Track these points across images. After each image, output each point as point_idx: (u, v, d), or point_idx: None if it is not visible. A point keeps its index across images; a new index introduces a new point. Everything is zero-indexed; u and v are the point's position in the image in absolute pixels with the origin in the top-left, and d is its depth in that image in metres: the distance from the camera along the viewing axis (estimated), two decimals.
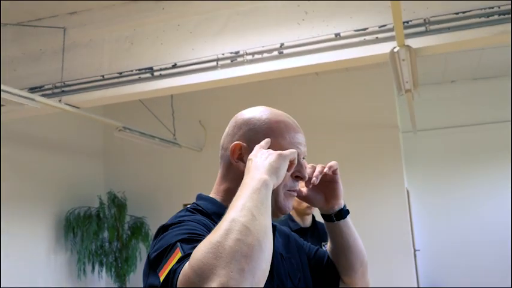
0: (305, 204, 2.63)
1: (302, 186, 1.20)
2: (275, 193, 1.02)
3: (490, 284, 6.97)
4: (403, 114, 7.00)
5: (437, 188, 7.43)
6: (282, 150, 1.03)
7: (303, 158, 1.12)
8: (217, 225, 0.81)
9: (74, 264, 6.58)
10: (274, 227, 1.16)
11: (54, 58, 4.58)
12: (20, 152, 6.06)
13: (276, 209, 1.05)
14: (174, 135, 6.63)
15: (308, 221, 2.73)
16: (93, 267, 6.67)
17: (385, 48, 3.65)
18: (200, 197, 1.15)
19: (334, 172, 1.26)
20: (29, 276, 5.89)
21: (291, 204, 1.09)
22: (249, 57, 4.03)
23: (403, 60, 3.64)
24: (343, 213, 1.25)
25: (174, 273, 0.81)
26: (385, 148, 6.64)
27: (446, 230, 7.28)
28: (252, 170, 0.92)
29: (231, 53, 4.08)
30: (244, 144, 1.08)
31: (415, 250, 6.70)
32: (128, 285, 6.67)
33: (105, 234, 6.83)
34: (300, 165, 1.08)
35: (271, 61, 3.98)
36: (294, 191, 1.09)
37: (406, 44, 3.48)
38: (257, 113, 1.14)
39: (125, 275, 6.60)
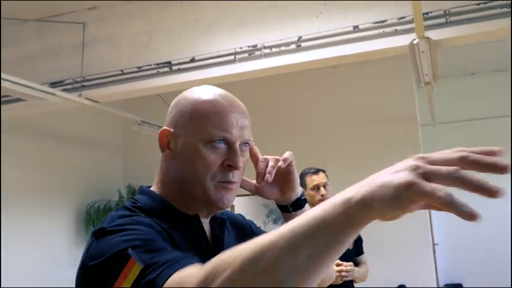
0: (318, 197, 2.65)
1: (259, 182, 1.07)
2: (201, 185, 0.94)
3: (509, 277, 6.89)
4: (422, 107, 6.92)
5: None
6: (208, 136, 0.93)
7: (245, 144, 0.99)
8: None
9: None
10: (224, 220, 1.07)
11: (73, 53, 4.63)
12: (41, 146, 6.15)
13: (208, 202, 0.95)
14: None
15: None
16: None
17: (404, 40, 3.61)
18: (140, 190, 1.04)
19: (290, 164, 1.09)
20: (50, 269, 5.99)
21: (229, 197, 0.96)
22: (267, 50, 4.02)
23: (423, 52, 3.60)
24: (301, 202, 1.10)
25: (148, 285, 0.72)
26: (404, 141, 6.58)
27: (466, 223, 7.10)
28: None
29: (249, 46, 4.08)
30: (171, 129, 0.98)
31: (434, 244, 6.64)
32: None
33: None
34: (232, 153, 0.95)
35: (289, 54, 3.97)
36: (227, 182, 0.95)
37: (425, 36, 3.43)
38: (188, 93, 1.02)
39: None
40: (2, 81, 3.58)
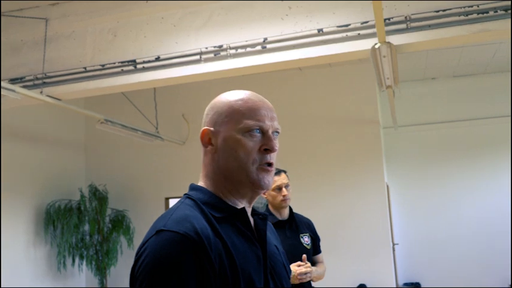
0: (280, 198, 2.67)
1: None
2: (245, 170, 1.06)
3: (468, 278, 7.13)
4: (385, 110, 7.09)
5: (416, 183, 7.55)
6: (246, 127, 1.07)
7: (275, 133, 1.12)
8: None
9: (54, 257, 6.54)
10: (266, 216, 1.17)
11: (35, 49, 4.54)
12: (0, 143, 5.99)
13: (252, 185, 1.07)
14: (156, 128, 6.61)
15: (285, 214, 2.76)
16: (73, 261, 6.64)
17: (367, 44, 3.70)
18: (191, 186, 1.15)
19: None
20: (9, 270, 5.84)
21: (269, 178, 1.08)
22: (233, 51, 4.05)
23: (384, 56, 3.70)
24: None
25: None
26: (366, 143, 6.72)
27: (425, 224, 7.41)
28: None
29: (215, 47, 4.09)
30: (211, 128, 1.10)
31: (393, 244, 6.81)
32: (108, 278, 6.66)
33: (86, 227, 6.80)
34: (267, 138, 1.09)
35: (255, 56, 4.01)
36: (267, 163, 1.08)
37: (387, 40, 3.53)
38: (222, 96, 1.16)
39: (105, 268, 6.59)
40: None
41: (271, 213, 2.73)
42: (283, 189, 2.70)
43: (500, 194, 7.20)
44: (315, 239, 2.83)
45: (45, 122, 6.72)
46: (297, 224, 2.77)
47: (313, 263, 2.68)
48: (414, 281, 7.33)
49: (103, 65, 4.31)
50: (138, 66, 4.23)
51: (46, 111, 6.37)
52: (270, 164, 1.09)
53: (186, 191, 1.14)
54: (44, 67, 4.43)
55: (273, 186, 2.70)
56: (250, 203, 1.13)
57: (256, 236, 1.10)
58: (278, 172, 2.77)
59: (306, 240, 2.74)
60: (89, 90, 4.42)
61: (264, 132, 1.09)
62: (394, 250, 6.76)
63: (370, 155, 6.69)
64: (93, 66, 4.34)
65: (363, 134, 6.72)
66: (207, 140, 1.11)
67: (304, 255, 2.50)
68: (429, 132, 7.60)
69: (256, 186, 1.07)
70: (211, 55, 4.09)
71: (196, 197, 1.08)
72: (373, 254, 6.45)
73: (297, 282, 2.45)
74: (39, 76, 4.45)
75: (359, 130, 6.74)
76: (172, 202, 7.95)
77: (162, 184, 7.08)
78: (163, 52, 4.20)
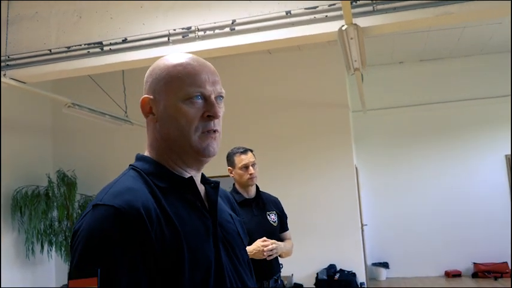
0: (247, 176, 2.70)
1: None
2: (187, 139, 1.03)
3: (433, 256, 7.34)
4: (354, 94, 7.18)
5: (384, 165, 7.70)
6: (186, 94, 1.03)
7: (219, 97, 1.08)
8: None
9: (22, 244, 6.44)
10: (217, 184, 1.14)
11: None
12: None
13: (196, 153, 1.04)
14: (125, 112, 6.54)
15: (252, 192, 2.79)
16: (42, 247, 6.55)
17: (334, 26, 3.73)
18: (137, 157, 1.12)
19: None
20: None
21: (214, 145, 1.05)
22: (201, 33, 4.02)
23: (351, 38, 3.74)
24: None
25: None
26: (335, 126, 6.81)
27: (392, 205, 7.58)
28: None
29: (183, 28, 4.06)
30: (151, 96, 1.06)
31: (362, 225, 6.95)
32: None
33: (55, 213, 6.71)
34: (209, 105, 1.04)
35: (223, 37, 3.99)
36: (210, 130, 1.05)
37: (354, 22, 3.57)
38: (161, 61, 1.10)
39: None
40: None
41: (237, 192, 2.75)
42: (250, 167, 2.72)
43: (464, 173, 7.41)
44: (282, 217, 2.87)
45: (11, 107, 6.55)
46: (263, 202, 2.80)
47: (281, 240, 2.72)
48: (382, 260, 7.51)
49: (68, 47, 4.23)
50: (105, 48, 4.16)
51: (11, 95, 6.21)
52: (214, 131, 1.06)
53: None
54: (6, 49, 4.31)
55: (240, 164, 2.72)
56: (198, 171, 1.11)
57: (207, 205, 1.07)
58: (245, 151, 2.79)
59: (272, 217, 2.78)
60: (54, 72, 4.33)
61: (205, 98, 1.05)
62: (363, 231, 6.90)
63: (339, 137, 6.78)
64: (59, 48, 4.25)
65: (332, 117, 6.80)
66: (147, 109, 1.07)
67: (264, 238, 2.54)
68: (397, 115, 7.74)
69: (200, 154, 1.04)
70: (180, 37, 4.05)
71: (141, 168, 1.05)
72: (342, 235, 6.57)
73: (262, 257, 2.49)
74: (2, 58, 4.33)
75: (328, 113, 6.81)
76: None
77: None
78: (131, 34, 4.15)
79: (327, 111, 6.83)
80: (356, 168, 7.01)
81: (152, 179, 1.01)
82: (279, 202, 2.92)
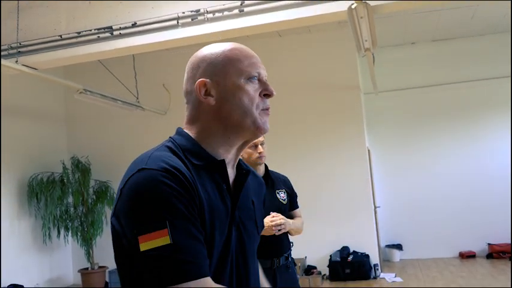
0: (256, 155, 2.69)
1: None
2: (250, 115, 1.09)
3: (448, 237, 7.32)
4: (365, 76, 7.13)
5: (397, 147, 7.66)
6: (247, 74, 1.10)
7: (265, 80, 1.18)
8: None
9: (39, 229, 6.55)
10: (248, 172, 1.20)
11: (9, 18, 4.44)
12: None
13: (256, 129, 1.11)
14: (137, 98, 6.57)
15: (261, 171, 2.78)
16: (59, 232, 6.66)
17: (344, 6, 3.69)
18: (178, 131, 1.16)
19: None
20: None
21: (268, 122, 1.14)
22: (210, 15, 4.01)
23: (361, 17, 3.70)
24: None
25: (157, 261, 0.89)
26: (346, 109, 6.78)
27: (406, 187, 7.55)
28: None
29: (192, 11, 4.05)
30: (208, 79, 1.10)
31: (375, 207, 6.94)
32: (94, 248, 6.71)
33: (70, 199, 6.80)
34: (265, 84, 1.14)
35: (232, 19, 3.99)
36: (267, 109, 1.15)
37: (363, 0, 3.53)
38: (210, 48, 1.16)
39: (91, 239, 6.63)
40: None
41: None
42: (259, 146, 2.72)
43: (478, 155, 7.35)
44: (292, 195, 2.87)
45: (23, 94, 6.62)
46: (272, 181, 2.80)
47: (291, 218, 2.73)
48: (396, 242, 7.51)
49: (79, 33, 4.25)
50: (115, 32, 4.17)
51: (25, 82, 6.27)
52: (268, 109, 1.15)
53: None
54: (18, 36, 4.35)
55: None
56: (239, 152, 1.16)
57: (233, 189, 1.12)
58: None
59: (282, 195, 2.76)
60: (65, 58, 4.36)
61: (260, 79, 1.14)
62: (376, 213, 6.89)
63: (351, 120, 6.76)
64: (69, 34, 4.28)
65: (344, 100, 6.77)
66: (203, 92, 1.10)
67: (274, 213, 2.55)
68: (409, 96, 7.66)
69: (260, 130, 1.11)
70: (189, 20, 4.05)
71: (179, 142, 1.10)
72: (355, 217, 6.58)
73: (272, 233, 2.50)
74: (13, 45, 4.37)
75: (340, 96, 6.78)
76: None
77: None
78: (140, 18, 4.15)
79: (339, 93, 6.79)
80: (368, 150, 6.99)
81: (188, 155, 1.06)
82: (288, 180, 2.92)
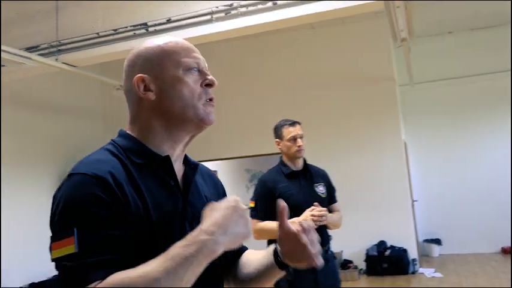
0: (295, 148, 2.69)
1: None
2: (192, 107, 1.05)
3: (487, 234, 7.13)
4: (400, 68, 7.00)
5: (434, 140, 7.50)
6: (186, 65, 1.07)
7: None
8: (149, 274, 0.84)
9: None
10: (196, 165, 1.16)
11: (48, 17, 4.55)
12: (21, 113, 6.10)
13: (199, 121, 1.07)
14: None
15: (299, 164, 2.78)
16: None
17: None
18: (119, 133, 1.14)
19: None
20: (35, 239, 6.01)
21: (213, 113, 1.09)
22: (243, 9, 4.01)
23: (398, 7, 3.64)
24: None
25: (63, 270, 0.88)
26: (382, 101, 6.67)
27: (444, 180, 7.39)
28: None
29: (225, 5, 4.06)
30: (146, 75, 1.07)
31: (413, 201, 6.83)
32: None
33: None
34: (205, 74, 1.10)
35: (266, 12, 3.97)
36: (211, 99, 1.09)
37: None
38: (145, 44, 1.13)
39: None
40: None
41: (284, 165, 2.75)
42: (298, 139, 2.72)
43: None
44: (330, 189, 2.86)
45: (64, 91, 6.79)
46: (311, 174, 2.79)
47: (330, 212, 2.70)
48: (434, 237, 7.36)
49: (115, 30, 4.32)
50: (150, 29, 4.22)
51: (64, 80, 6.43)
52: (212, 99, 1.10)
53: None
54: (57, 34, 4.46)
55: (288, 136, 2.71)
56: (185, 147, 1.13)
57: (182, 185, 1.09)
58: (293, 123, 2.78)
59: (320, 189, 2.75)
60: (102, 55, 4.44)
61: (200, 70, 1.10)
62: (413, 207, 6.78)
63: (387, 112, 6.65)
64: (106, 31, 4.35)
65: (379, 92, 6.67)
66: (141, 88, 1.06)
67: (316, 203, 2.54)
68: (446, 88, 7.49)
69: (204, 122, 1.07)
70: (222, 14, 4.06)
71: (120, 143, 1.08)
72: (392, 211, 6.48)
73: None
74: (53, 44, 4.48)
75: (374, 88, 6.68)
76: None
77: None
78: (174, 13, 4.19)
79: (373, 85, 6.69)
80: (405, 143, 6.87)
81: (129, 155, 1.04)
82: (327, 174, 2.90)
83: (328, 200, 2.77)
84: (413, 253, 6.43)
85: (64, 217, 0.91)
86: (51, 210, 0.96)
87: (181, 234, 0.93)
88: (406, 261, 6.23)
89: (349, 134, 6.71)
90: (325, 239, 2.68)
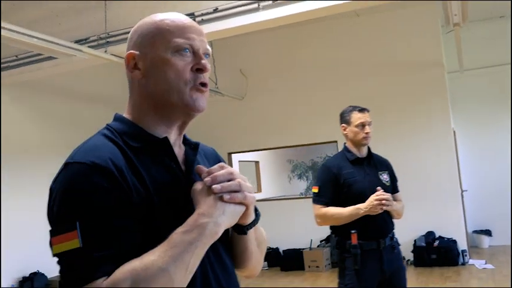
0: (362, 135, 2.67)
1: None
2: (177, 91, 0.98)
3: None
4: (449, 54, 6.78)
5: (484, 129, 7.26)
6: (175, 46, 0.99)
7: (206, 55, 1.03)
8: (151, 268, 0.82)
9: None
10: (197, 145, 1.10)
11: (97, 9, 4.63)
12: (69, 105, 6.26)
13: (185, 107, 0.99)
14: (216, 84, 6.67)
15: (364, 151, 2.77)
16: None
17: None
18: (115, 117, 1.07)
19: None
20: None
21: (203, 100, 1.01)
22: None
23: None
24: (255, 221, 1.06)
25: (65, 265, 0.84)
26: (430, 88, 6.50)
27: (495, 170, 7.15)
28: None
29: None
30: (137, 52, 1.01)
31: (462, 191, 6.64)
32: None
33: None
34: (198, 58, 1.00)
35: (312, 0, 3.92)
36: (202, 84, 1.00)
37: None
38: (146, 19, 1.07)
39: None
40: (30, 38, 3.64)
41: (349, 151, 2.74)
42: (366, 126, 2.71)
43: None
44: (393, 178, 2.85)
45: (111, 85, 6.90)
46: (375, 162, 2.78)
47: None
48: (484, 228, 7.15)
49: None
50: (197, 19, 4.23)
51: (109, 72, 6.54)
52: (203, 84, 1.01)
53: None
54: (106, 27, 4.52)
55: (357, 122, 2.70)
56: (181, 130, 1.06)
57: (184, 166, 1.03)
58: (362, 109, 2.77)
59: (385, 177, 2.74)
60: None
61: (194, 52, 1.00)
62: (462, 197, 6.59)
63: (435, 100, 6.47)
64: None
65: (427, 79, 6.49)
66: (132, 65, 1.01)
67: (379, 188, 2.52)
68: (496, 74, 7.21)
69: (190, 108, 0.99)
70: (270, 2, 4.02)
71: (115, 127, 1.01)
72: (441, 202, 6.32)
73: (377, 211, 2.46)
74: (102, 36, 4.55)
75: (423, 75, 6.51)
76: (235, 157, 8.09)
77: (224, 139, 7.17)
78: (221, 3, 4.18)
79: (421, 72, 6.52)
80: (454, 132, 6.67)
81: (126, 139, 0.98)
82: (390, 164, 2.90)
83: (392, 189, 2.75)
84: (462, 244, 6.26)
85: (64, 210, 0.86)
86: (49, 203, 0.90)
87: (187, 217, 0.89)
88: (455, 252, 6.08)
89: (396, 122, 6.57)
90: (389, 227, 2.69)
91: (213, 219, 0.87)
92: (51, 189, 0.91)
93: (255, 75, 7.20)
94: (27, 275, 5.66)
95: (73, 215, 0.84)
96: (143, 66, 1.01)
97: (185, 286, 0.85)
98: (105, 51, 4.50)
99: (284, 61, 7.20)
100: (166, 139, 1.00)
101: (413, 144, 6.46)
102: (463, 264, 6.09)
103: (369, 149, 2.78)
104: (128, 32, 3.63)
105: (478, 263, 6.07)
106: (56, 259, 0.85)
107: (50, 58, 4.50)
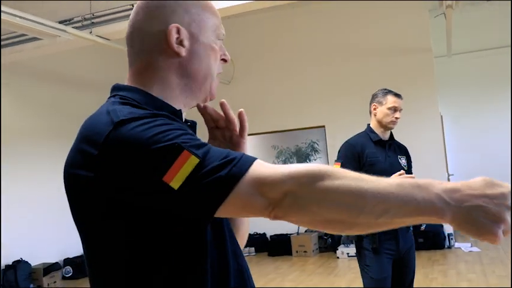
0: (391, 118, 2.71)
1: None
2: (210, 79, 0.97)
3: None
4: (436, 38, 6.78)
5: (471, 113, 7.30)
6: (216, 31, 0.97)
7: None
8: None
9: None
10: (195, 124, 1.03)
11: None
12: (48, 89, 6.11)
13: (209, 95, 1.00)
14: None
15: (387, 135, 2.85)
16: None
17: None
18: (121, 87, 0.98)
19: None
20: (58, 216, 6.07)
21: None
22: None
23: None
24: None
25: (201, 181, 0.73)
26: (418, 73, 6.50)
27: (481, 155, 7.20)
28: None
29: None
30: (183, 27, 0.93)
31: (448, 175, 6.69)
32: None
33: None
34: (223, 48, 1.00)
35: None
36: (219, 74, 1.01)
37: None
38: None
39: None
40: (12, 17, 3.50)
41: (373, 132, 2.79)
42: (398, 112, 2.73)
43: None
44: (410, 164, 2.92)
45: (93, 66, 6.74)
46: (395, 146, 2.87)
47: None
48: None
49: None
50: None
51: (94, 54, 6.39)
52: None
53: None
54: (91, 7, 4.39)
55: (390, 105, 2.74)
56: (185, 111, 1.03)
57: None
58: (398, 95, 2.79)
59: (403, 161, 2.82)
60: None
61: (222, 40, 1.00)
62: (449, 181, 6.62)
63: (422, 84, 6.48)
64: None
65: (415, 63, 6.49)
66: (174, 39, 0.92)
67: (402, 171, 2.54)
68: (484, 59, 7.24)
69: (211, 96, 1.00)
70: None
71: (131, 97, 0.92)
72: None
73: None
74: (87, 17, 4.42)
75: (410, 59, 6.50)
76: None
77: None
78: None
79: (409, 57, 6.51)
80: (441, 116, 6.69)
81: (150, 108, 0.89)
82: (408, 150, 2.94)
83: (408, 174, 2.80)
84: (449, 228, 6.32)
85: (156, 147, 0.75)
86: (133, 162, 0.77)
87: None
88: (442, 235, 6.14)
89: None
90: None
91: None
92: (108, 149, 0.79)
93: (242, 60, 7.11)
94: (10, 263, 5.55)
95: (170, 142, 0.75)
96: (190, 44, 0.94)
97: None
98: (90, 32, 4.37)
99: (271, 45, 7.12)
100: (180, 111, 0.95)
101: (400, 128, 6.36)
102: (449, 247, 6.16)
103: (391, 133, 2.83)
104: (112, 13, 3.49)
105: (463, 246, 6.14)
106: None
107: (33, 39, 4.35)
